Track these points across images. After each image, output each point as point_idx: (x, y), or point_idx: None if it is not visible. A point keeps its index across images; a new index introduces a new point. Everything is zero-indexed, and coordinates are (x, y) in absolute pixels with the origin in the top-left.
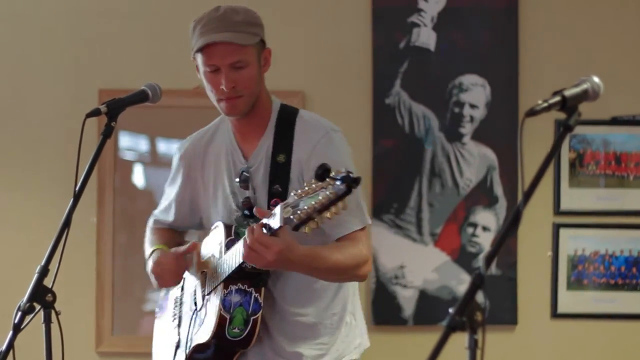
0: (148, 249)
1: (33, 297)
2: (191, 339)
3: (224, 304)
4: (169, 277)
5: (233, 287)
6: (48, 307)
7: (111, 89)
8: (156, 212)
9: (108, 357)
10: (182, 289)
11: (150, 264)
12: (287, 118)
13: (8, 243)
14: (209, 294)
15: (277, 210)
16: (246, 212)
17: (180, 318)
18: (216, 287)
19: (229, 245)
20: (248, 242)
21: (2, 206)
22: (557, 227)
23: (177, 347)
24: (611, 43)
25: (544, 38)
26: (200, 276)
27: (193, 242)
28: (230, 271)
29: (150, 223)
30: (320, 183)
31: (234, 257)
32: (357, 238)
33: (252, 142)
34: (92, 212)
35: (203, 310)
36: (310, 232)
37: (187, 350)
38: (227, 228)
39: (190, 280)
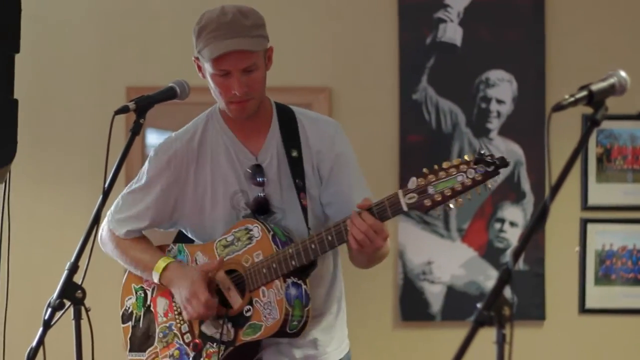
0: (147, 260)
1: (63, 294)
2: (230, 340)
3: (287, 298)
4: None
5: (289, 281)
6: (78, 303)
7: (139, 87)
8: (121, 218)
9: None
10: (172, 296)
11: (182, 290)
12: (287, 115)
13: (38, 240)
14: (254, 290)
15: (399, 195)
16: (255, 209)
17: (190, 326)
18: (271, 281)
19: (275, 240)
20: (362, 229)
21: (32, 203)
22: (584, 222)
23: (198, 349)
24: (638, 38)
25: (571, 33)
26: (227, 277)
27: (220, 259)
28: (309, 260)
29: (120, 233)
30: (456, 166)
31: (314, 246)
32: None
33: (257, 138)
34: None
35: (247, 307)
36: (439, 214)
37: (224, 352)
38: (264, 225)
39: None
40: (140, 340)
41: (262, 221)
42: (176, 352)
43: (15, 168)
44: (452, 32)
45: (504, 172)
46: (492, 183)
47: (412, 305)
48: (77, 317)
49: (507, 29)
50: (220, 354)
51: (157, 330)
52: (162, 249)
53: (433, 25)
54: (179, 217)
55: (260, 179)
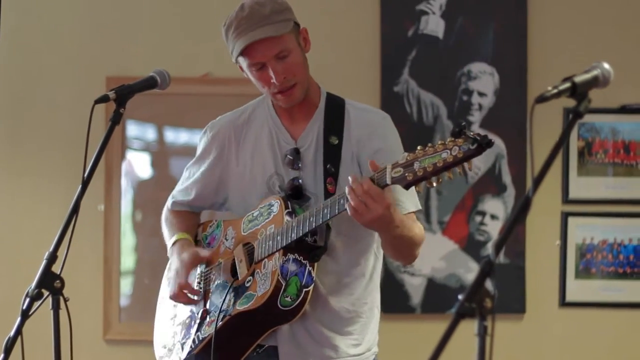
0: (169, 233)
1: (41, 284)
2: (227, 309)
3: (282, 271)
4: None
5: (291, 256)
6: (56, 293)
7: (119, 77)
8: (175, 191)
9: (115, 344)
10: (207, 265)
11: (172, 260)
12: (335, 104)
13: (16, 229)
14: (259, 262)
15: (387, 168)
16: (289, 192)
17: (205, 292)
18: (272, 254)
19: (289, 215)
20: (357, 193)
21: (10, 193)
22: (565, 216)
23: (203, 319)
24: (620, 31)
25: (553, 26)
26: (242, 249)
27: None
28: (296, 237)
29: (168, 203)
30: (443, 143)
31: (306, 222)
32: (414, 219)
33: (300, 124)
34: (99, 200)
35: (249, 279)
36: (421, 191)
37: (220, 320)
38: (283, 201)
39: (223, 254)
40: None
41: (285, 198)
42: (188, 320)
43: None
44: (434, 25)
45: (485, 164)
46: (474, 169)
47: (392, 298)
48: (56, 307)
49: (489, 21)
50: (218, 322)
51: None
52: (205, 224)
53: (415, 18)
54: (224, 194)
55: (297, 164)
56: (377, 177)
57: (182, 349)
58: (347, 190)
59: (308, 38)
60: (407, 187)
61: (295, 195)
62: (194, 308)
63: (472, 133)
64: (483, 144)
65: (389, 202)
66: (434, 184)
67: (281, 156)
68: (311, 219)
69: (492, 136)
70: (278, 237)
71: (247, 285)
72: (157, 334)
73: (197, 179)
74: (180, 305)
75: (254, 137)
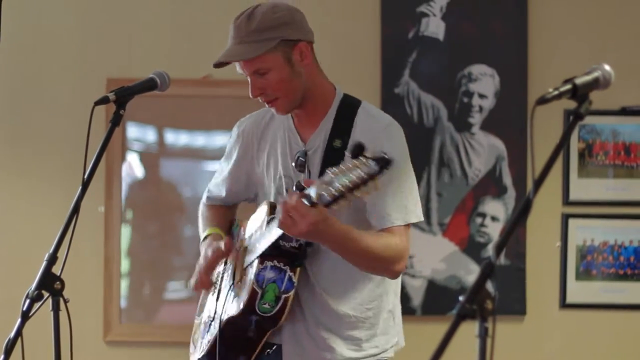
0: (202, 226)
1: (41, 285)
2: (225, 312)
3: (257, 279)
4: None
5: (269, 264)
6: (56, 294)
7: (119, 78)
8: (210, 185)
9: (116, 345)
10: (226, 262)
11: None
12: (349, 107)
13: (17, 230)
14: (245, 268)
15: (315, 184)
16: None
17: (219, 292)
18: (252, 261)
19: (270, 222)
20: (284, 208)
21: (11, 194)
22: (566, 218)
23: (212, 319)
24: (621, 33)
25: (554, 28)
26: (242, 252)
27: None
28: (267, 245)
29: (204, 198)
30: (355, 162)
31: (272, 230)
32: (396, 232)
33: (311, 126)
34: (100, 201)
35: (240, 284)
36: (340, 209)
37: (221, 323)
38: (272, 206)
39: (234, 255)
40: None
41: (272, 203)
42: (206, 319)
43: None
44: (434, 27)
45: (486, 166)
46: (475, 170)
47: None
48: (56, 308)
49: (489, 23)
50: (220, 325)
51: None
52: (232, 221)
53: (415, 20)
54: (254, 190)
55: (305, 167)
56: (307, 194)
57: (199, 347)
58: (279, 204)
59: (308, 52)
60: (327, 205)
61: None
62: (211, 308)
63: (370, 154)
64: (384, 164)
65: (316, 220)
66: (350, 204)
67: (292, 158)
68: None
69: (492, 138)
70: (257, 245)
71: (237, 290)
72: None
73: (226, 175)
74: (208, 302)
75: (272, 138)
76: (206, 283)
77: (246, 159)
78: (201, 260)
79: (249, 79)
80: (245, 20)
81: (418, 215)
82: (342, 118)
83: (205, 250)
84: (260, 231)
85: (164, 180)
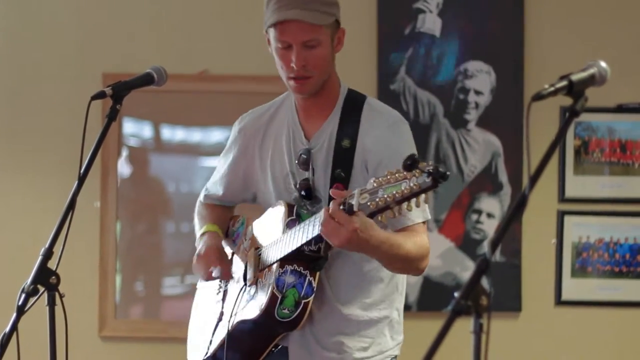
0: (199, 225)
1: (37, 280)
2: (236, 314)
3: (278, 283)
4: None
5: (289, 267)
6: (52, 289)
7: (115, 73)
8: (208, 183)
9: (111, 341)
10: (231, 262)
11: (198, 247)
12: (354, 103)
13: (13, 225)
14: (262, 270)
15: (355, 193)
16: (303, 193)
17: (225, 292)
18: (272, 265)
19: (290, 225)
20: (324, 217)
21: (7, 189)
22: (561, 215)
23: (220, 319)
24: (617, 30)
25: (550, 24)
26: (253, 252)
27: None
28: (293, 249)
29: (201, 196)
30: (404, 173)
31: (297, 235)
32: (419, 231)
33: (316, 123)
34: (95, 197)
35: (253, 286)
36: (385, 220)
37: (230, 325)
38: (289, 207)
39: (242, 254)
40: None
41: (290, 204)
42: (210, 318)
43: None
44: (431, 23)
45: (481, 163)
46: (471, 167)
47: None
48: (51, 303)
49: (486, 20)
50: (230, 325)
51: None
52: (235, 219)
53: (412, 16)
54: (252, 190)
55: (309, 165)
56: (346, 203)
57: (201, 348)
58: (322, 212)
59: (343, 40)
60: (371, 216)
61: (306, 196)
62: (215, 307)
63: (428, 167)
64: (437, 177)
65: (355, 227)
66: (396, 215)
67: (295, 155)
68: (297, 235)
69: (488, 135)
70: (276, 248)
71: (252, 293)
72: (190, 327)
73: (224, 173)
74: (208, 302)
75: (275, 134)
76: (229, 274)
77: (246, 156)
78: (205, 250)
79: (293, 48)
80: None
81: (429, 212)
82: (348, 115)
83: (206, 243)
84: (276, 233)
85: (159, 176)
